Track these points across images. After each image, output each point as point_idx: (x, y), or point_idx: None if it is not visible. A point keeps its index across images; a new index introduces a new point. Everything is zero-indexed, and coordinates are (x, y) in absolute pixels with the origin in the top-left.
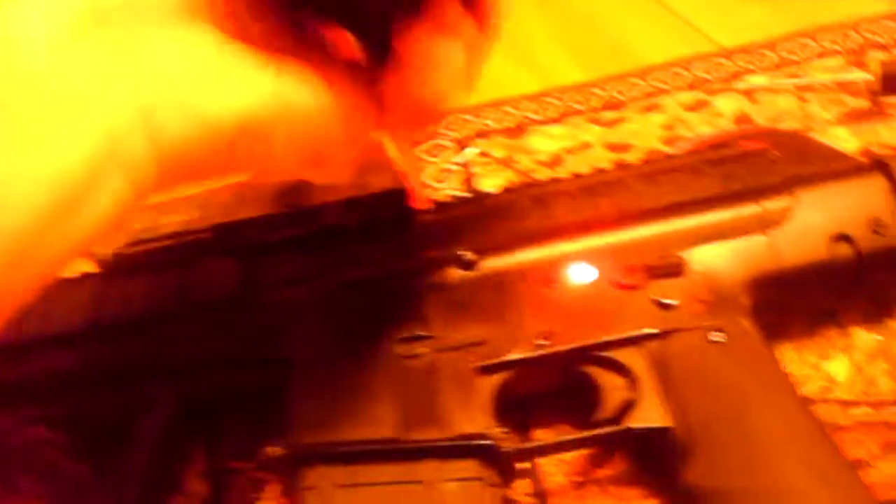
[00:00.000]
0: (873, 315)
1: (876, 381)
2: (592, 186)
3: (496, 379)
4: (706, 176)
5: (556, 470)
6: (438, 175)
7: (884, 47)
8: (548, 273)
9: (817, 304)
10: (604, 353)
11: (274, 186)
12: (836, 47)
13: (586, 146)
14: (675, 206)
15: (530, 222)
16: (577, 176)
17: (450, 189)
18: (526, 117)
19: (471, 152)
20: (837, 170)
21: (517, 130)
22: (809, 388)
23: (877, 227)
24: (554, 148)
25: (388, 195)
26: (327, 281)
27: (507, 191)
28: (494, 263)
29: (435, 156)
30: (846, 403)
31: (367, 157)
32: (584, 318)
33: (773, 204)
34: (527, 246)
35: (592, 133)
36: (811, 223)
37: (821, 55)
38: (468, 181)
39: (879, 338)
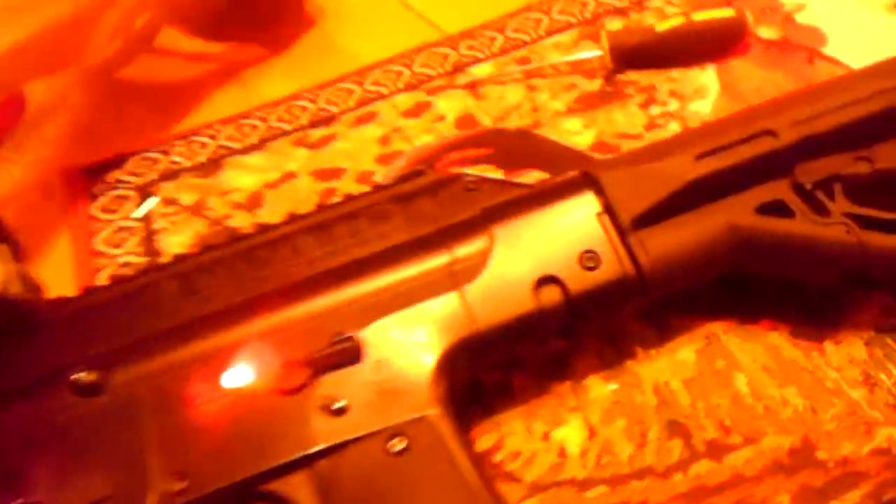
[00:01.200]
0: (609, 356)
1: (613, 446)
2: (252, 252)
3: None
4: (390, 219)
5: None
6: (113, 237)
7: (621, 12)
8: (184, 386)
9: (543, 353)
10: (259, 488)
11: None
12: (569, 18)
13: (290, 176)
14: (347, 268)
15: (172, 315)
16: (235, 239)
17: (126, 255)
18: (221, 146)
19: (153, 202)
20: (542, 192)
21: (210, 165)
22: (539, 468)
23: (588, 261)
24: (252, 183)
25: None
26: None
27: (147, 271)
28: (123, 380)
29: (113, 211)
30: (581, 484)
31: None
32: (233, 444)
33: (466, 248)
34: (163, 350)
35: (297, 159)
36: (512, 268)
37: (550, 31)
38: (149, 241)
39: (615, 386)
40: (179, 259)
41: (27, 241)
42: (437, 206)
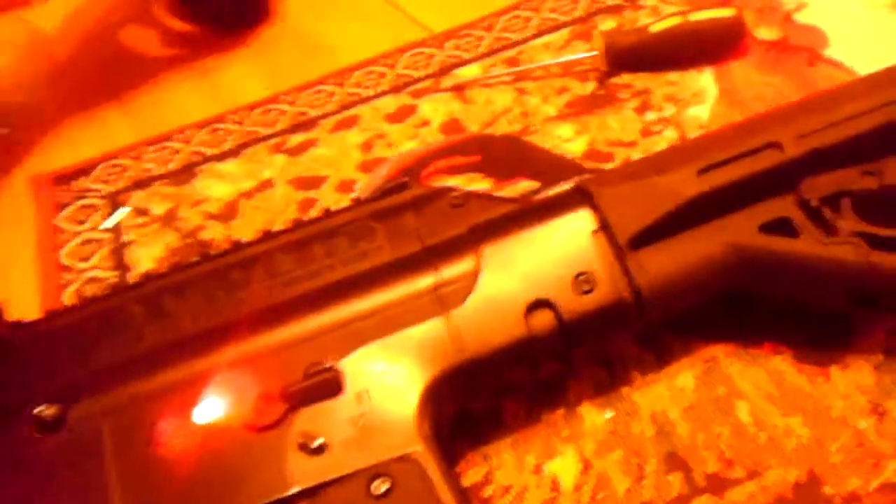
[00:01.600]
0: (604, 382)
1: (609, 480)
2: (224, 273)
3: None
4: (372, 237)
5: None
6: (80, 250)
7: (614, 10)
8: (150, 420)
9: (535, 378)
10: None
11: None
12: (560, 17)
13: (267, 185)
14: (325, 291)
15: (138, 342)
16: (206, 258)
17: (94, 269)
18: (194, 152)
19: (123, 213)
20: (533, 208)
21: (183, 173)
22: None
23: (583, 283)
24: (227, 192)
25: None
26: None
27: (113, 292)
28: (85, 414)
29: (80, 222)
30: None
31: None
32: (203, 485)
33: (452, 270)
34: (128, 381)
35: (275, 166)
36: (502, 291)
37: (541, 31)
38: (118, 255)
39: (610, 415)
40: (147, 279)
41: None
42: (421, 223)
